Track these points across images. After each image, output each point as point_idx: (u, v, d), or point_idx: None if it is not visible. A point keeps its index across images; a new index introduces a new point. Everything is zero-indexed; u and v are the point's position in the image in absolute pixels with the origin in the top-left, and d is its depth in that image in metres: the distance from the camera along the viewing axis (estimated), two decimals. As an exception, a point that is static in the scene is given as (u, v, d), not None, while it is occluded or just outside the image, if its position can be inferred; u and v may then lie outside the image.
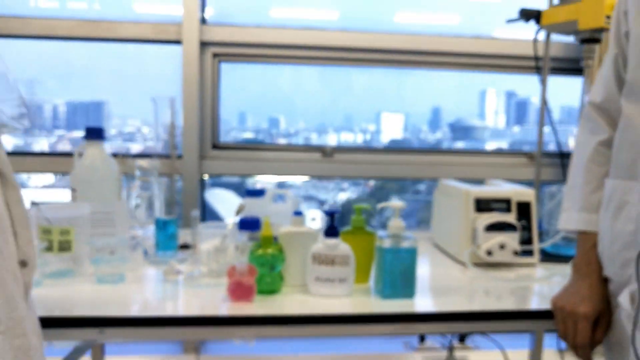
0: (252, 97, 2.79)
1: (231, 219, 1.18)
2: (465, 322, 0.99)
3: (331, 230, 0.94)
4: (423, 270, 1.20)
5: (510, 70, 2.06)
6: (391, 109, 2.88)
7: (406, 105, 2.86)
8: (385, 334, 0.93)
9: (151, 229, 1.26)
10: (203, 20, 1.93)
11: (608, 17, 1.17)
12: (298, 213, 1.00)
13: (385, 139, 3.50)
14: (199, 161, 1.90)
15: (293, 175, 2.17)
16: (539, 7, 1.40)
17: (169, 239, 1.17)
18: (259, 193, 1.22)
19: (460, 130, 2.90)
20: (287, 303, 0.97)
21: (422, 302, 0.99)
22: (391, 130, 3.31)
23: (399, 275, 0.95)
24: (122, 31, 1.86)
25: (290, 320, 0.91)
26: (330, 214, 0.95)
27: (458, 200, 1.21)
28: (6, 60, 0.69)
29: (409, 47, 2.00)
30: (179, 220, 1.23)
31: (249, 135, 2.88)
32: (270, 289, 0.97)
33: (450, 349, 1.99)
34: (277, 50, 1.98)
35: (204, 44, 1.90)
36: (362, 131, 3.60)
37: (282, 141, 3.42)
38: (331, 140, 3.47)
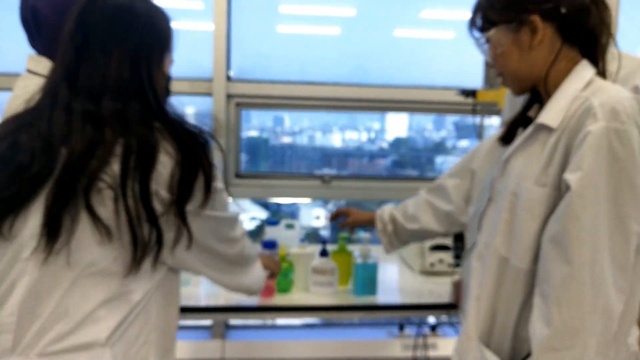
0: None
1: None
2: (412, 311, 1.54)
3: (324, 253, 1.49)
4: (389, 275, 1.76)
5: (467, 114, 2.57)
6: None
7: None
8: (357, 317, 1.49)
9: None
10: (228, 78, 2.47)
11: (516, 102, 1.70)
12: (303, 240, 1.56)
13: (389, 137, 3.65)
14: (225, 188, 2.45)
15: (299, 197, 2.71)
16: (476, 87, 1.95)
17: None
18: (275, 223, 1.77)
19: (464, 128, 3.07)
20: (296, 298, 1.52)
21: (382, 297, 1.54)
22: (395, 129, 3.54)
23: (367, 281, 1.50)
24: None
25: (297, 308, 1.47)
26: (323, 241, 1.50)
27: (413, 228, 1.76)
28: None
29: (387, 97, 2.55)
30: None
31: (253, 133, 3.23)
32: (284, 289, 1.53)
33: (424, 336, 2.52)
34: (284, 100, 2.53)
35: (229, 96, 2.46)
36: (367, 130, 3.82)
37: (286, 139, 3.74)
38: (335, 139, 3.78)
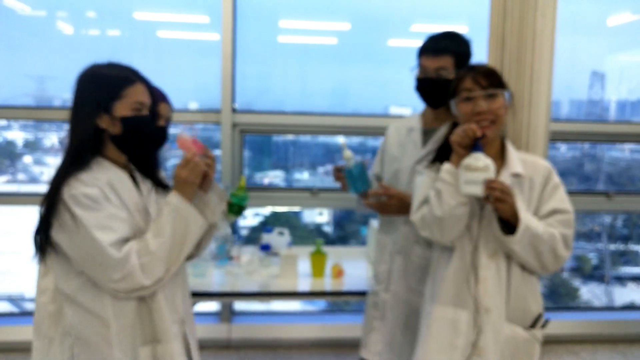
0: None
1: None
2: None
3: (477, 148, 1.39)
4: (357, 269, 2.33)
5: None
6: (399, 102, 3.22)
7: (415, 99, 3.43)
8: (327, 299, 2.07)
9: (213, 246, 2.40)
10: (234, 110, 3.04)
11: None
12: (290, 244, 2.14)
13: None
14: (231, 199, 3.02)
15: (292, 206, 3.28)
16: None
17: (225, 255, 2.31)
18: (270, 231, 2.36)
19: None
20: (285, 286, 2.10)
21: (350, 285, 2.12)
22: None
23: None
24: (181, 117, 2.99)
25: (287, 294, 2.06)
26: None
27: (373, 234, 2.34)
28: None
29: (369, 124, 3.11)
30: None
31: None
32: (235, 213, 1.75)
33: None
34: (280, 127, 3.10)
35: (234, 125, 3.03)
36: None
37: (288, 136, 3.92)
38: (339, 138, 4.01)
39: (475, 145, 1.31)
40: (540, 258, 1.35)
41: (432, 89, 1.65)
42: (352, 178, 1.63)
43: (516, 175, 1.40)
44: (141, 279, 1.18)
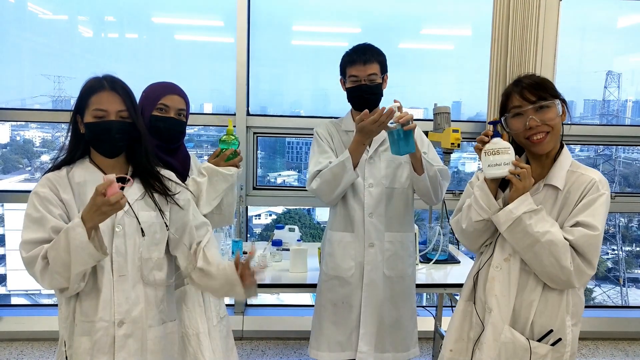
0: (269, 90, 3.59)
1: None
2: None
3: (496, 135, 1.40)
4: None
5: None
6: (411, 103, 3.38)
7: (426, 100, 3.18)
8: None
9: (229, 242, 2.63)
10: (248, 113, 3.26)
11: (452, 144, 2.44)
12: (299, 240, 2.36)
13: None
14: (245, 197, 3.24)
15: (299, 206, 3.50)
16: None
17: (240, 249, 2.53)
18: (281, 227, 2.58)
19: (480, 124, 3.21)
20: (295, 279, 2.32)
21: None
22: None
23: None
24: (199, 120, 3.22)
25: (297, 285, 2.28)
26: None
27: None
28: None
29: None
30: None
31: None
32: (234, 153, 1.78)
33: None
34: (289, 130, 3.31)
35: (248, 127, 3.25)
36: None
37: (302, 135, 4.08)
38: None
39: (494, 132, 1.38)
40: (541, 262, 1.31)
41: (367, 94, 1.84)
42: (396, 139, 1.67)
43: (552, 187, 1.39)
44: (41, 282, 1.26)
